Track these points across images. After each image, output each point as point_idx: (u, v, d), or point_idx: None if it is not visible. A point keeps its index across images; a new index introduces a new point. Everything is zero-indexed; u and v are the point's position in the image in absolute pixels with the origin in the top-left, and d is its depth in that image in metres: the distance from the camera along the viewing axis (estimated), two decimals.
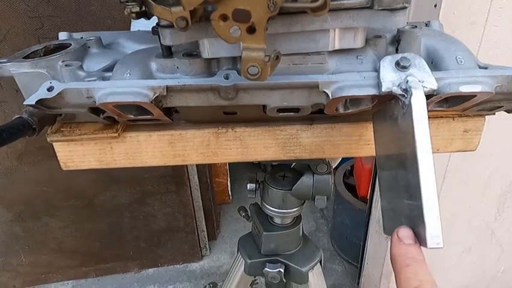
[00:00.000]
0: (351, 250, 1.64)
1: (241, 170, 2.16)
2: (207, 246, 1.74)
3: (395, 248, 0.30)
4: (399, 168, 0.34)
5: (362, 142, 0.45)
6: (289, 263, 0.57)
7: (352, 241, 1.63)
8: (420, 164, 0.30)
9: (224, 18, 0.28)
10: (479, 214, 1.19)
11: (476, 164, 1.08)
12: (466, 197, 1.14)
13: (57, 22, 1.16)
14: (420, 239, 0.30)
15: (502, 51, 0.93)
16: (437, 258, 1.28)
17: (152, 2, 0.29)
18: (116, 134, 0.42)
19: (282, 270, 0.56)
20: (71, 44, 0.42)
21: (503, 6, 0.88)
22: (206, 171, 1.62)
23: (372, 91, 0.32)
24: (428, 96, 0.33)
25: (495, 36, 0.91)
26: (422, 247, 0.30)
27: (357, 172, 1.62)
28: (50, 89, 0.34)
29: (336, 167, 1.75)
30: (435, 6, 0.89)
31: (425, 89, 0.31)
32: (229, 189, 1.98)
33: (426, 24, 0.47)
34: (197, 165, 1.55)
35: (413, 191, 0.31)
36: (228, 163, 1.84)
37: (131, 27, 0.51)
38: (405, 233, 0.31)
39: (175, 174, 1.48)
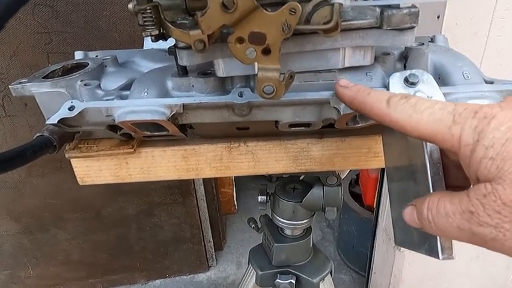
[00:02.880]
0: (358, 259, 1.64)
1: (246, 180, 2.17)
2: (214, 256, 1.74)
3: (346, 92, 0.31)
4: (409, 180, 0.35)
5: (371, 154, 0.46)
6: (301, 274, 0.57)
7: (359, 250, 1.62)
8: (430, 175, 0.30)
9: (240, 40, 0.29)
10: None
11: None
12: None
13: (65, 37, 1.19)
14: (432, 251, 0.31)
15: (505, 60, 0.94)
16: (445, 267, 1.28)
17: (171, 26, 0.31)
18: (132, 150, 0.43)
19: (294, 282, 0.56)
20: (87, 63, 0.43)
21: (505, 16, 0.89)
22: (212, 181, 1.63)
23: None
24: None
25: (498, 45, 0.93)
26: (434, 259, 0.31)
27: (363, 181, 1.63)
28: (71, 109, 0.35)
29: None
30: (438, 17, 0.91)
31: None
32: (235, 199, 1.98)
33: (431, 39, 0.48)
34: None
35: None
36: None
37: (145, 45, 0.52)
38: (345, 81, 0.32)
39: (182, 185, 1.49)
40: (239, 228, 1.95)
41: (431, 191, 0.30)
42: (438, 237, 0.30)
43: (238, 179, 1.99)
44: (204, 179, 1.57)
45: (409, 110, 0.26)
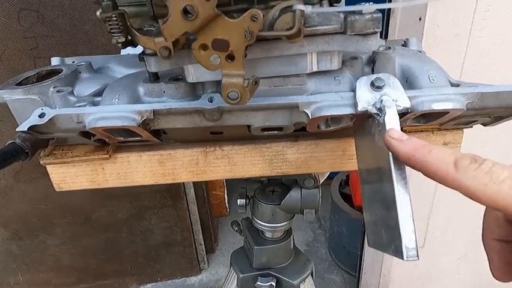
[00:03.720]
0: (349, 260, 1.65)
1: (238, 183, 2.16)
2: (205, 259, 1.74)
3: (402, 148, 0.29)
4: (378, 182, 0.35)
5: (345, 157, 0.46)
6: (281, 276, 0.58)
7: (350, 251, 1.63)
8: (394, 178, 0.31)
9: (204, 47, 0.29)
10: (473, 221, 1.20)
11: None
12: (458, 204, 1.15)
13: (52, 42, 1.18)
14: (397, 252, 0.31)
15: (487, 61, 0.96)
16: (433, 266, 1.29)
17: (137, 33, 0.31)
18: (107, 156, 0.43)
19: (274, 284, 0.57)
20: (62, 70, 0.44)
21: (485, 18, 0.91)
22: (202, 184, 1.63)
23: (349, 110, 0.34)
24: (403, 114, 0.34)
25: (479, 47, 0.94)
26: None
27: (352, 182, 1.64)
28: (41, 116, 0.35)
29: (332, 177, 1.76)
30: (420, 19, 0.92)
31: (398, 107, 0.33)
32: (226, 201, 1.98)
33: (404, 42, 0.49)
34: None
35: (390, 204, 0.32)
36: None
37: (121, 50, 0.52)
38: (398, 132, 0.30)
39: (171, 189, 1.49)
40: (231, 230, 1.95)
41: (396, 195, 0.31)
42: (402, 239, 0.30)
43: (229, 182, 1.99)
44: (194, 182, 1.57)
45: (484, 179, 0.24)
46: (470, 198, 0.25)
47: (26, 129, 0.34)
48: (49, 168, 0.44)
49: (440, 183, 0.26)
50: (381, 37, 1.13)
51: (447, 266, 1.30)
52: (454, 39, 0.92)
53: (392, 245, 0.33)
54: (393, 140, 0.29)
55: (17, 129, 0.35)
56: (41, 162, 0.43)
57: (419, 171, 0.28)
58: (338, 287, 1.65)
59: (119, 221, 1.52)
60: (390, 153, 0.31)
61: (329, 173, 0.61)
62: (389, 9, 1.02)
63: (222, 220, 2.01)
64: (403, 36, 0.91)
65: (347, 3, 0.37)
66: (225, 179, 1.92)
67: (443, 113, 0.36)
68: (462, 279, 1.34)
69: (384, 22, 1.05)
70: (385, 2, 0.32)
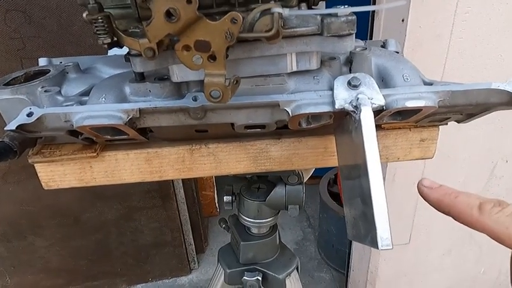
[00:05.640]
0: (337, 258, 1.67)
1: (228, 182, 2.17)
2: (195, 259, 1.75)
3: (432, 194, 0.31)
4: (356, 178, 0.37)
5: (327, 154, 0.48)
6: (267, 271, 0.59)
7: (338, 249, 1.65)
8: (370, 173, 0.33)
9: (187, 48, 0.31)
10: None
11: (450, 169, 1.13)
12: None
13: (39, 42, 1.18)
14: (373, 242, 0.33)
15: (467, 61, 0.99)
16: (419, 262, 1.31)
17: (122, 34, 0.32)
18: (94, 154, 0.44)
19: (260, 278, 0.58)
20: (50, 70, 0.44)
21: (466, 19, 0.93)
22: (192, 184, 1.64)
23: (327, 108, 0.36)
24: (378, 111, 0.36)
25: (460, 47, 0.97)
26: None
27: (341, 180, 1.66)
28: (29, 115, 0.36)
29: (320, 176, 1.78)
30: (402, 20, 0.94)
31: (373, 105, 0.35)
32: (216, 201, 1.99)
33: (383, 42, 0.50)
34: (183, 179, 1.57)
35: (367, 198, 0.34)
36: (215, 176, 1.88)
37: (109, 51, 0.53)
38: (429, 181, 0.32)
39: (161, 189, 1.50)
40: (221, 230, 1.94)
41: (371, 189, 0.33)
42: (377, 229, 0.32)
43: (219, 182, 2.00)
44: (184, 182, 1.58)
45: (506, 222, 0.26)
46: (495, 240, 0.27)
47: (14, 128, 0.35)
48: (37, 166, 0.45)
49: (465, 225, 0.29)
50: (365, 38, 1.16)
51: (432, 262, 1.33)
52: (436, 39, 0.95)
53: (369, 236, 0.34)
54: (425, 188, 0.32)
55: (5, 128, 0.36)
56: (30, 160, 0.44)
57: (447, 215, 0.30)
58: (327, 285, 1.67)
59: (108, 221, 1.52)
60: (365, 149, 0.33)
61: (313, 170, 0.62)
62: (374, 11, 1.05)
63: (212, 220, 2.02)
64: (387, 36, 0.93)
65: (327, 6, 0.39)
66: (215, 179, 1.93)
67: (417, 110, 0.38)
68: (447, 274, 1.37)
69: (369, 23, 1.08)
70: (362, 5, 0.33)
